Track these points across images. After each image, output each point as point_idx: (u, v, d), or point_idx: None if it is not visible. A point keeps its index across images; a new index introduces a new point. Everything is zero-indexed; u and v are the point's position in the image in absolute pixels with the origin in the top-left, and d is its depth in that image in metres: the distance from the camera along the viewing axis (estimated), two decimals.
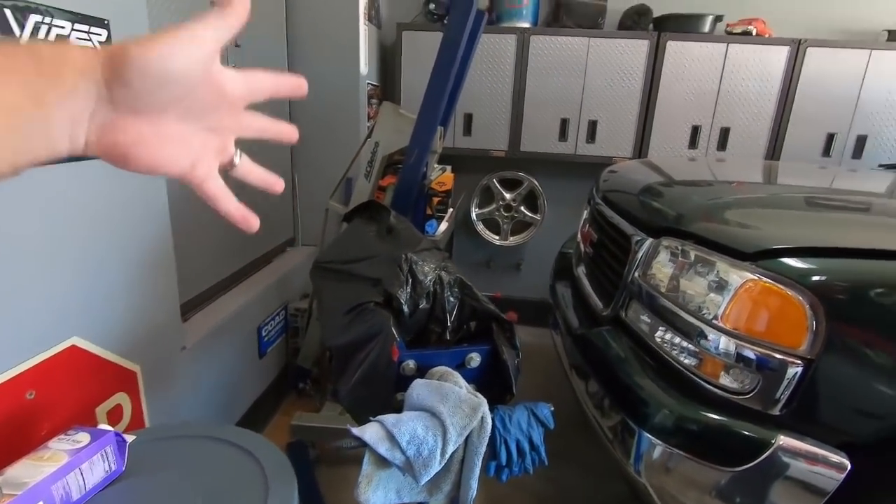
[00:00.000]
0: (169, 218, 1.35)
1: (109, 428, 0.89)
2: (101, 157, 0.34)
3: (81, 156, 0.34)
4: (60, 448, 0.82)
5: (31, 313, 0.97)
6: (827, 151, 2.56)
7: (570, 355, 1.59)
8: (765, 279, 0.95)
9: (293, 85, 0.44)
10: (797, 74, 2.47)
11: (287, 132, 0.47)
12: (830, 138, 2.54)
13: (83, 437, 0.85)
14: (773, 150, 2.59)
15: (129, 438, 0.91)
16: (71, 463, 0.80)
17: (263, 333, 2.03)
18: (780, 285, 0.93)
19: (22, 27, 0.88)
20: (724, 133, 2.61)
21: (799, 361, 0.91)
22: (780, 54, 2.46)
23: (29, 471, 0.77)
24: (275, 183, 0.47)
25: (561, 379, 1.68)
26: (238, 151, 0.43)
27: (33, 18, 0.90)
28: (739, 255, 1.01)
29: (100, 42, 1.06)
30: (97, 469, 0.85)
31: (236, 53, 1.85)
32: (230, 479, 0.91)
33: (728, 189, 1.74)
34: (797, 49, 2.44)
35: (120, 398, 1.22)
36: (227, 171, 0.43)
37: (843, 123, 2.52)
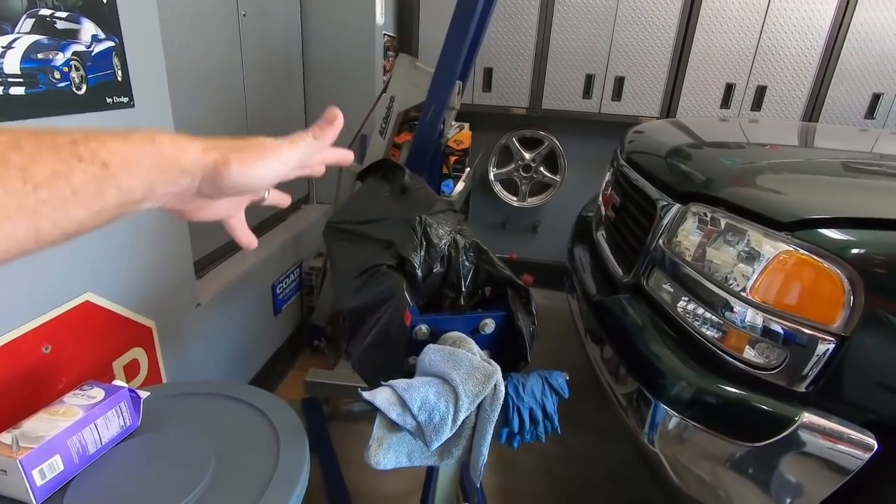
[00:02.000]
0: None
1: (123, 384, 0.89)
2: (161, 210, 0.41)
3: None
4: (75, 403, 0.83)
5: (44, 269, 0.96)
6: (871, 113, 2.40)
7: (585, 320, 1.56)
8: (801, 251, 0.89)
9: (344, 156, 0.53)
10: (845, 28, 2.29)
11: (317, 173, 0.53)
12: (876, 99, 2.38)
13: (98, 393, 0.86)
14: (812, 111, 2.44)
15: (144, 395, 0.91)
16: (86, 418, 0.81)
17: (278, 291, 2.04)
18: (817, 258, 0.87)
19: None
20: (760, 92, 2.46)
21: (831, 338, 0.86)
22: (829, 5, 2.27)
23: (45, 425, 0.78)
24: (285, 201, 0.54)
25: (574, 343, 1.66)
26: (268, 190, 0.49)
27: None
28: (774, 224, 0.94)
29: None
30: (112, 424, 0.86)
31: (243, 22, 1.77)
32: (243, 438, 0.92)
33: (762, 152, 1.64)
34: None
35: (136, 353, 1.23)
36: (256, 205, 0.50)
37: (892, 83, 2.35)
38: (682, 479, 1.07)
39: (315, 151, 0.44)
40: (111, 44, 1.05)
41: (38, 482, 0.74)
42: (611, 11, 2.45)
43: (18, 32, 0.86)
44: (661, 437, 1.06)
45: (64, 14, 0.93)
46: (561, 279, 2.02)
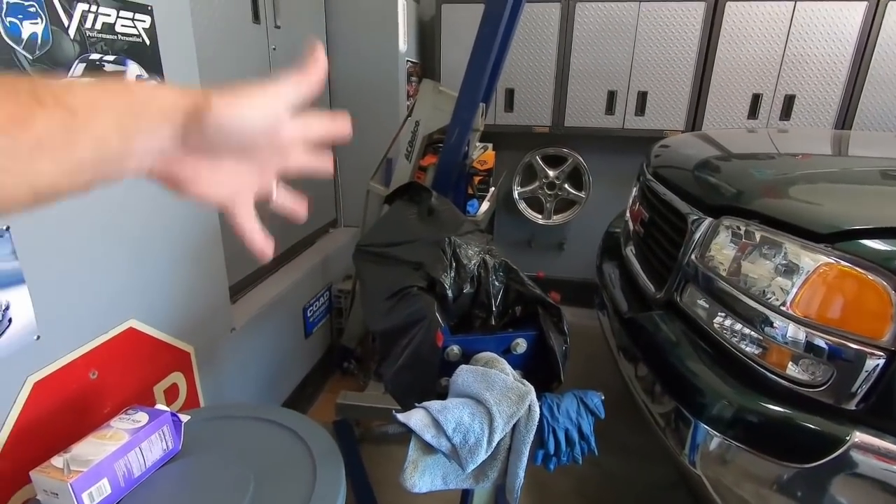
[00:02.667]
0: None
1: (166, 408, 0.92)
2: (156, 181, 0.38)
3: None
4: (121, 427, 0.86)
5: (91, 298, 1.01)
6: None
7: (617, 338, 1.54)
8: (842, 263, 0.87)
9: (339, 128, 0.46)
10: (875, 32, 2.24)
11: (324, 167, 0.48)
12: None
13: (142, 417, 0.89)
14: (845, 119, 2.38)
15: (185, 419, 0.94)
16: (131, 442, 0.83)
17: (309, 314, 2.07)
18: (860, 269, 0.85)
19: (70, 16, 0.89)
20: (789, 101, 2.41)
21: (880, 353, 0.83)
22: (856, 11, 2.24)
23: (93, 448, 0.81)
24: (300, 211, 0.49)
25: (605, 361, 1.63)
26: (276, 186, 0.46)
27: (80, 7, 0.91)
28: (812, 236, 0.92)
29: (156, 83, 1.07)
30: (156, 448, 0.88)
31: (276, 34, 1.85)
32: (280, 461, 0.93)
33: (793, 163, 1.61)
34: (876, 3, 2.21)
35: (176, 377, 1.27)
36: (263, 201, 0.46)
37: None
38: (725, 501, 1.03)
39: (303, 89, 0.40)
40: (155, 82, 1.12)
41: None
42: (631, 26, 2.46)
43: (72, 76, 0.92)
44: (703, 458, 1.03)
45: (111, 57, 0.99)
46: (589, 296, 2.00)
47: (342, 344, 2.23)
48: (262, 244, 0.45)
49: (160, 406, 0.93)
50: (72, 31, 0.90)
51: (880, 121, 2.36)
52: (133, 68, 1.05)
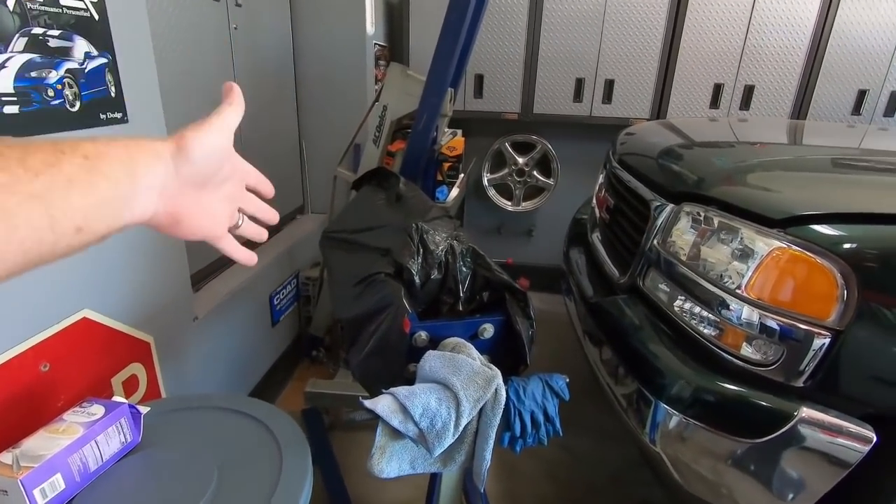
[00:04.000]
0: None
1: (123, 400, 0.89)
2: (159, 222, 0.45)
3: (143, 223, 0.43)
4: (75, 420, 0.83)
5: (40, 287, 0.96)
6: (857, 109, 2.43)
7: (583, 323, 1.57)
8: (794, 247, 0.90)
9: (267, 183, 0.59)
10: (830, 25, 2.32)
11: (270, 216, 0.60)
12: (862, 95, 2.41)
13: (97, 410, 0.86)
14: (800, 108, 2.48)
15: (144, 410, 0.91)
16: (86, 435, 0.80)
17: (275, 302, 2.04)
18: (810, 253, 0.88)
19: None
20: (749, 91, 2.49)
21: (826, 332, 0.87)
22: (812, 4, 2.31)
23: (45, 443, 0.77)
24: (261, 235, 0.61)
25: (573, 346, 1.67)
26: (241, 216, 0.56)
27: None
28: (766, 221, 0.96)
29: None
30: (113, 441, 0.85)
31: (237, 13, 1.78)
32: (245, 450, 0.91)
33: (751, 151, 1.66)
34: None
35: (135, 369, 1.23)
36: (233, 231, 0.55)
37: (877, 79, 2.38)
38: (684, 477, 1.07)
39: (236, 113, 0.49)
40: (104, 60, 1.06)
41: (40, 501, 0.73)
42: (598, 15, 2.48)
43: (11, 51, 0.86)
44: (663, 436, 1.07)
45: (56, 32, 0.94)
46: (557, 282, 2.03)
47: (310, 332, 2.20)
48: (248, 257, 0.57)
49: (118, 398, 0.90)
50: (10, 2, 0.84)
51: (833, 110, 2.46)
52: (81, 45, 0.99)
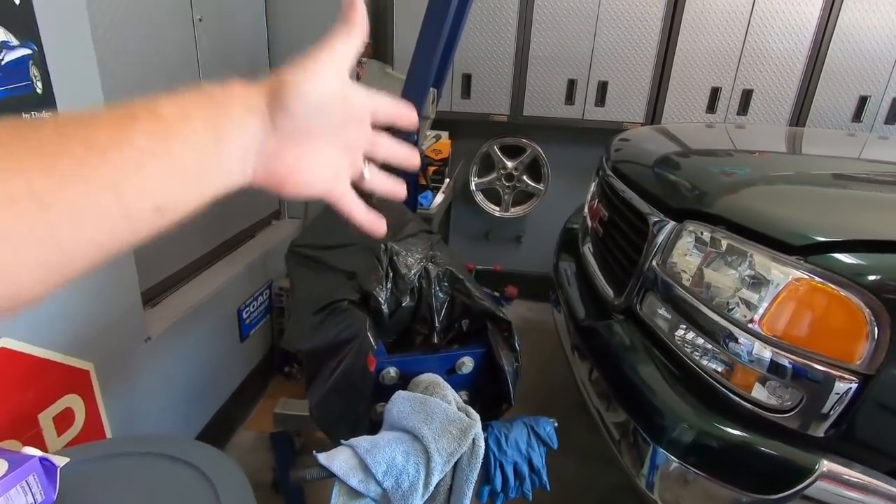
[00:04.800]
0: None
1: (35, 452, 0.75)
2: (261, 185, 0.37)
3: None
4: None
5: None
6: (858, 116, 2.35)
7: (572, 338, 1.46)
8: (816, 278, 0.79)
9: (408, 116, 0.45)
10: (831, 28, 2.23)
11: (411, 160, 0.48)
12: (863, 101, 2.32)
13: None
14: (800, 114, 2.38)
15: (61, 462, 0.77)
16: None
17: (245, 315, 1.90)
18: (834, 286, 0.77)
19: None
20: (747, 96, 2.39)
21: (853, 377, 0.76)
22: (814, 6, 2.21)
23: None
24: (400, 191, 0.48)
25: (560, 359, 1.55)
26: (368, 165, 0.45)
27: None
28: (784, 247, 0.84)
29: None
30: (19, 503, 0.72)
31: (202, 3, 1.63)
32: None
33: (750, 160, 1.56)
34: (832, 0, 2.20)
35: (70, 401, 1.09)
36: (359, 185, 0.45)
37: (879, 85, 2.30)
38: None
39: (353, 39, 0.39)
40: (27, 51, 0.92)
41: None
42: (592, 13, 2.36)
43: None
44: (662, 482, 0.95)
45: None
46: (546, 290, 1.91)
47: (283, 346, 2.06)
48: (375, 223, 0.45)
49: (28, 449, 0.76)
50: None
51: (832, 117, 2.37)
52: None
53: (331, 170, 0.41)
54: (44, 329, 1.01)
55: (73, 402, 1.09)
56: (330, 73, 0.37)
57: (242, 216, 2.05)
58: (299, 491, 1.58)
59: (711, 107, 2.43)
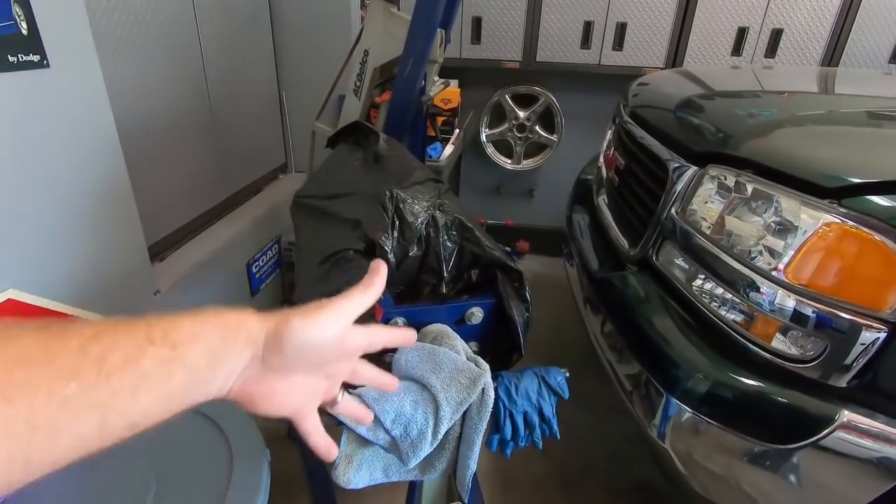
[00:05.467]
0: (119, 146, 1.16)
1: None
2: (234, 401, 0.38)
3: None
4: None
5: None
6: None
7: (584, 291, 1.43)
8: (849, 222, 0.74)
9: (405, 336, 0.50)
10: None
11: (388, 384, 0.53)
12: None
13: None
14: (832, 55, 2.23)
15: None
16: None
17: (254, 270, 1.89)
18: (869, 230, 0.72)
19: None
20: (776, 36, 2.24)
21: (881, 326, 0.72)
22: None
23: None
24: (366, 417, 0.56)
25: (573, 313, 1.54)
26: (342, 392, 0.49)
27: None
28: (816, 190, 0.79)
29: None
30: None
31: None
32: (190, 456, 0.79)
33: (779, 101, 1.46)
34: None
35: None
36: (328, 408, 0.49)
37: None
38: (694, 476, 0.95)
39: (366, 302, 0.43)
40: None
41: None
42: None
43: None
44: (674, 432, 0.94)
45: None
46: (559, 245, 1.87)
47: (294, 301, 2.07)
48: (327, 449, 0.48)
49: None
50: None
51: (869, 58, 2.22)
52: None
53: (303, 396, 0.43)
54: (50, 280, 1.00)
55: None
56: (334, 324, 0.40)
57: (248, 171, 2.02)
58: (318, 459, 1.61)
59: (737, 49, 2.29)
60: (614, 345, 1.18)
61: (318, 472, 1.50)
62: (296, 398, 0.43)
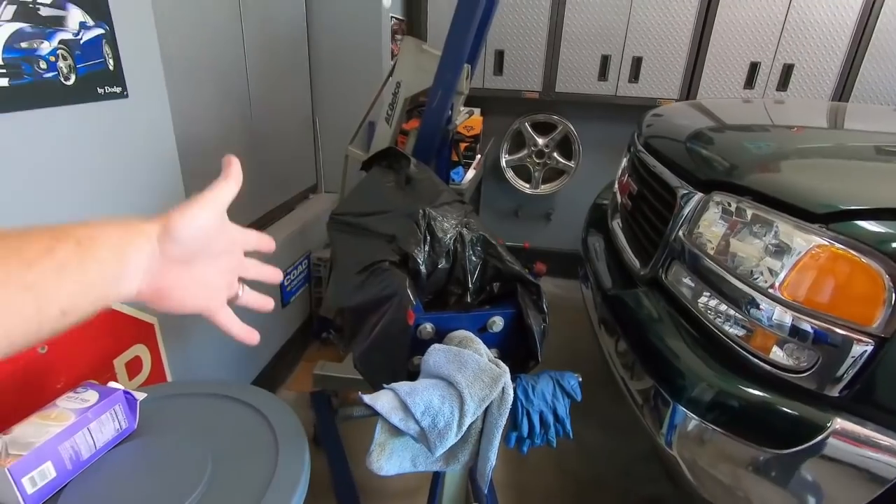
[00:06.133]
0: (179, 166, 1.29)
1: (118, 386, 0.87)
2: (144, 298, 0.45)
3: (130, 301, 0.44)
4: (68, 407, 0.80)
5: None
6: None
7: (599, 311, 1.51)
8: (836, 245, 0.82)
9: (268, 243, 0.59)
10: (880, 1, 2.14)
11: (272, 275, 0.61)
12: None
13: (91, 396, 0.83)
14: (843, 90, 2.31)
15: (140, 396, 0.89)
16: (78, 422, 0.78)
17: (286, 283, 2.01)
18: (854, 252, 0.80)
19: None
20: (787, 71, 2.33)
21: (869, 340, 0.79)
22: None
23: (36, 430, 0.75)
24: (267, 304, 0.61)
25: (588, 334, 1.61)
26: (242, 286, 0.56)
27: None
28: (807, 215, 0.87)
29: None
30: (107, 428, 0.83)
31: None
32: (241, 440, 0.89)
33: (787, 135, 1.55)
34: None
35: (138, 350, 1.21)
36: (233, 302, 0.55)
37: None
38: (700, 482, 1.01)
39: (229, 190, 0.50)
40: (101, 31, 1.01)
41: (30, 490, 0.71)
42: None
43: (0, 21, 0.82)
44: (680, 439, 1.01)
45: (48, 0, 0.89)
46: (574, 268, 1.96)
47: (321, 314, 2.18)
48: (247, 335, 0.57)
49: (113, 384, 0.88)
50: None
51: (879, 93, 2.30)
52: (75, 14, 0.95)
53: (206, 290, 0.50)
54: None
55: (141, 351, 1.22)
56: (209, 211, 0.47)
57: (282, 190, 2.16)
58: (338, 445, 1.70)
59: (750, 82, 2.39)
60: (627, 363, 1.25)
61: (343, 475, 1.58)
62: (200, 292, 0.49)
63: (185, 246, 0.46)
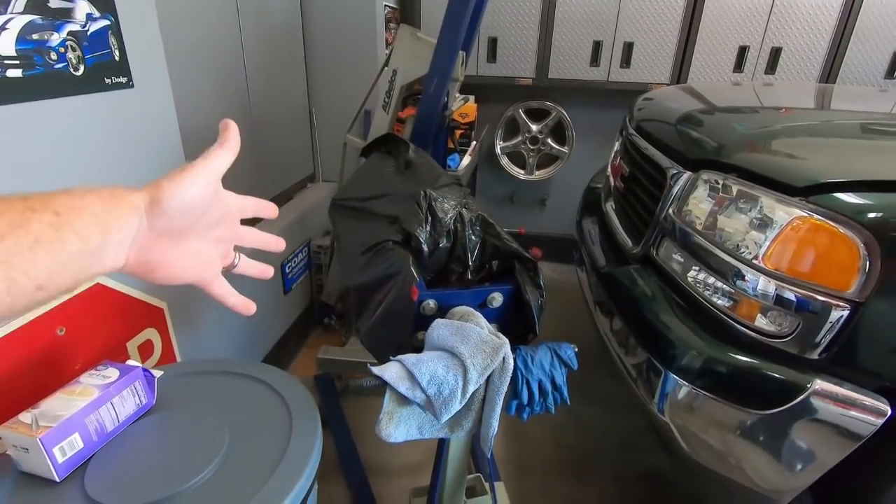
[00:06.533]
0: (183, 155, 1.32)
1: (137, 364, 0.91)
2: (131, 271, 0.42)
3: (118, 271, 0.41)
4: (91, 383, 0.85)
5: None
6: (892, 73, 2.31)
7: (594, 292, 1.56)
8: (815, 216, 0.87)
9: (269, 209, 0.56)
10: None
11: (274, 243, 0.59)
12: None
13: (112, 373, 0.87)
14: (830, 72, 2.36)
15: (158, 374, 0.93)
16: (102, 397, 0.82)
17: (287, 270, 2.05)
18: (832, 223, 0.85)
19: None
20: (775, 54, 2.37)
21: (845, 304, 0.85)
22: None
23: (62, 404, 0.79)
24: (266, 272, 0.60)
25: (584, 315, 1.66)
26: (237, 255, 0.54)
27: None
28: (788, 189, 0.92)
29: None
30: (128, 402, 0.87)
31: None
32: (256, 414, 0.93)
33: (775, 116, 1.59)
34: None
35: (150, 333, 1.25)
36: (229, 271, 0.53)
37: None
38: (692, 447, 1.07)
39: (225, 157, 0.46)
40: (106, 22, 1.04)
41: (60, 459, 0.76)
42: None
43: (11, 13, 0.84)
44: (672, 406, 1.06)
45: None
46: (570, 252, 2.01)
47: (322, 300, 2.22)
48: (243, 306, 0.55)
49: (132, 362, 0.92)
50: None
51: (865, 74, 2.35)
52: (82, 6, 0.97)
53: (199, 261, 0.47)
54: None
55: (152, 334, 1.26)
56: (202, 181, 0.44)
57: (281, 180, 2.19)
58: (344, 425, 1.75)
59: (739, 66, 2.43)
60: (622, 340, 1.30)
61: (349, 453, 1.64)
62: (193, 263, 0.46)
63: (174, 219, 0.42)
